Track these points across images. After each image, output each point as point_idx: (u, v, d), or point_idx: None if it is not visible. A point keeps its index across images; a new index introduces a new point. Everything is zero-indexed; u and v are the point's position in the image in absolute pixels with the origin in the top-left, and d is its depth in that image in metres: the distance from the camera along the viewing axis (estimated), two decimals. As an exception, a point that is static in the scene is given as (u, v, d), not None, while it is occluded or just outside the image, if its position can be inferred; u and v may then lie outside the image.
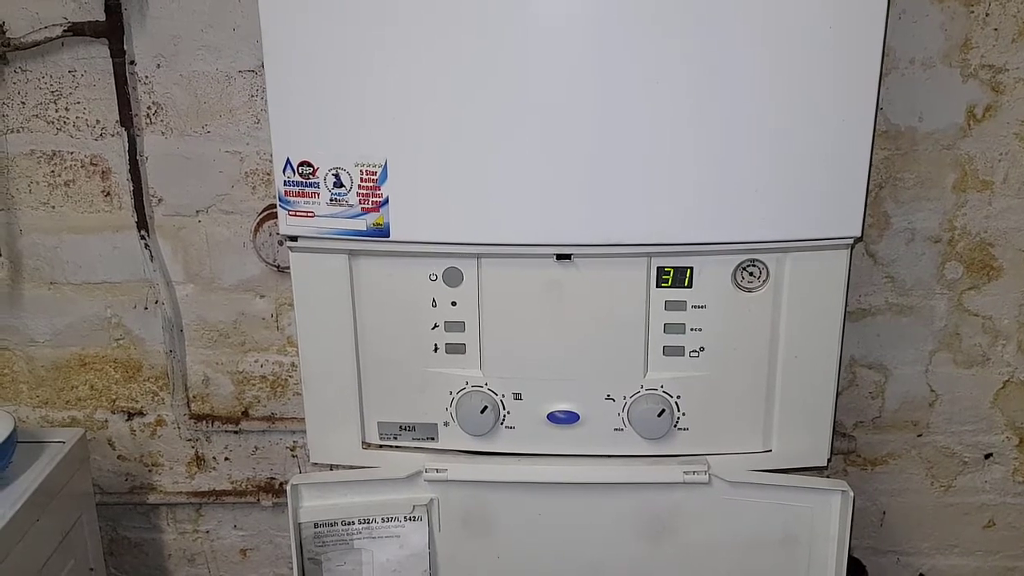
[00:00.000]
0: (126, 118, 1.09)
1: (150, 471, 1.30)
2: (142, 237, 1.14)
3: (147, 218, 1.14)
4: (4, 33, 1.07)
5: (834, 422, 0.96)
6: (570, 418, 0.95)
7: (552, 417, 0.95)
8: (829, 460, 0.97)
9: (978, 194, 1.09)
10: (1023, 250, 1.11)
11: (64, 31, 1.05)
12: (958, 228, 1.11)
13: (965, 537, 1.28)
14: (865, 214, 0.85)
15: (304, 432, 1.00)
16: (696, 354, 0.93)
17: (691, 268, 0.90)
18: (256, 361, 1.23)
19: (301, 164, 0.85)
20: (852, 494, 0.93)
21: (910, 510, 1.26)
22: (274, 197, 0.87)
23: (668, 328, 0.92)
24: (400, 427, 0.98)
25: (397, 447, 0.99)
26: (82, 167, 1.14)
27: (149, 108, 1.11)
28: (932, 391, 1.19)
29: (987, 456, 1.23)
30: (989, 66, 1.04)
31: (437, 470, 0.96)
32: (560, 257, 0.89)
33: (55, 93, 1.11)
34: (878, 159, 1.07)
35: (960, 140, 1.07)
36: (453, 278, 0.92)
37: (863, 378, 1.19)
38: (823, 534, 0.96)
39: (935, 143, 1.07)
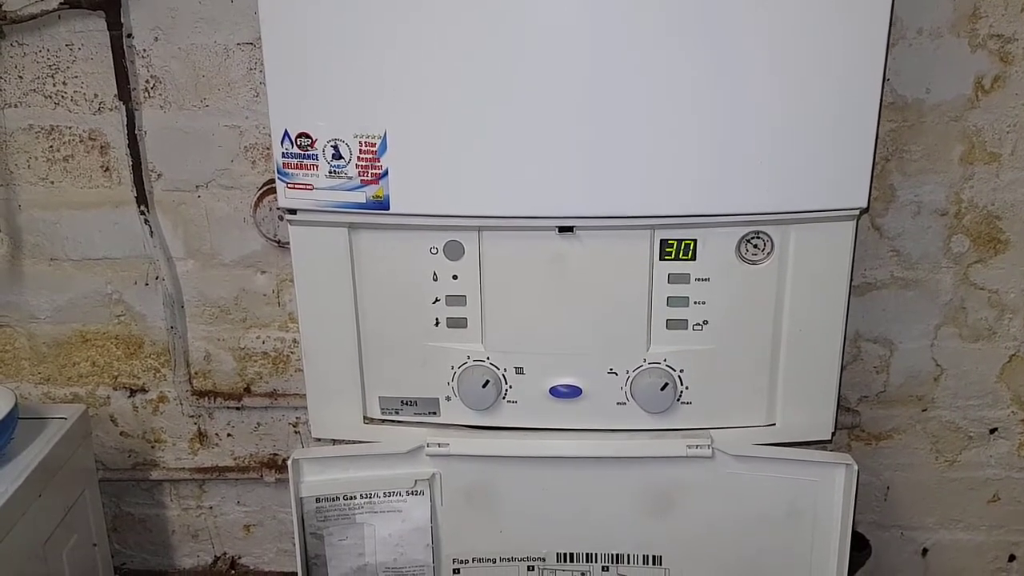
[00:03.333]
0: (124, 92, 1.08)
1: (153, 447, 1.30)
2: (142, 212, 1.14)
3: (147, 193, 1.13)
4: (1, 7, 1.06)
5: (839, 396, 0.95)
6: (572, 392, 0.94)
7: (554, 391, 0.94)
8: (833, 434, 0.97)
9: (985, 167, 1.08)
10: (1031, 223, 1.10)
11: (61, 4, 1.04)
12: (965, 201, 1.10)
13: (969, 512, 1.27)
14: (871, 185, 0.84)
15: (306, 408, 1.00)
16: (700, 327, 0.92)
17: (695, 240, 0.89)
18: (258, 337, 1.23)
19: (299, 136, 0.84)
20: (856, 467, 0.93)
21: (914, 485, 1.26)
22: (274, 172, 0.86)
23: (671, 301, 0.91)
24: (401, 402, 0.97)
25: (399, 422, 0.98)
26: (80, 142, 1.13)
27: (147, 82, 1.10)
28: (937, 365, 1.18)
29: (992, 431, 1.22)
30: (998, 36, 1.02)
31: (439, 445, 0.96)
32: (562, 229, 0.88)
33: (52, 67, 1.10)
34: (884, 131, 1.06)
35: (968, 112, 1.05)
36: (454, 251, 0.91)
37: (868, 352, 1.18)
38: (827, 508, 0.96)
39: (942, 115, 1.06)
